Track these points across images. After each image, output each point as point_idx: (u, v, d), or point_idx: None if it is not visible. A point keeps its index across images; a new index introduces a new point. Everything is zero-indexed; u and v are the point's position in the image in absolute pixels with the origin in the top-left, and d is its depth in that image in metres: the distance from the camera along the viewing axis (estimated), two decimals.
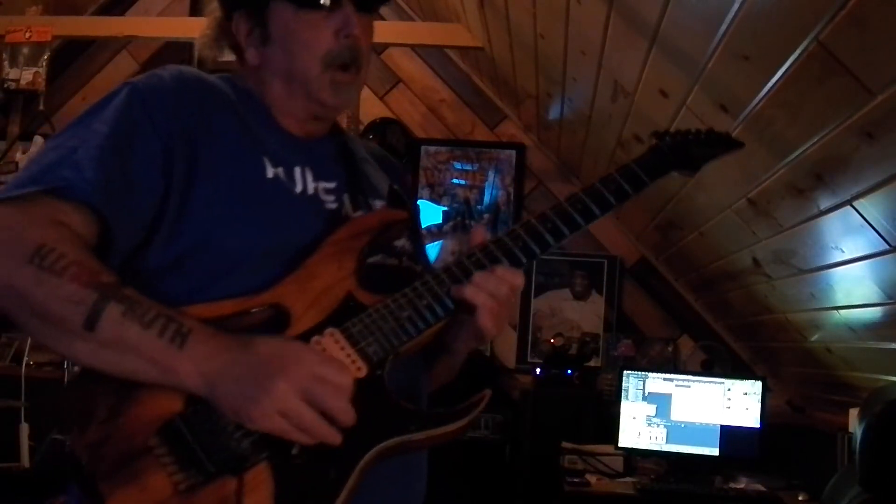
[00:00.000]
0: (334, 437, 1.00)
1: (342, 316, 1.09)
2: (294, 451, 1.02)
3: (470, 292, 1.12)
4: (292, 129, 1.25)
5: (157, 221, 1.09)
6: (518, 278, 1.15)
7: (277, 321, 1.07)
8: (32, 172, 1.06)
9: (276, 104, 1.24)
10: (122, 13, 4.26)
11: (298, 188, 1.19)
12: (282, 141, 1.22)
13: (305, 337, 1.07)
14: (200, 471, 1.01)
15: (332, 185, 1.23)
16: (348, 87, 1.23)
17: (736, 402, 3.18)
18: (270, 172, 1.17)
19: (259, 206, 1.14)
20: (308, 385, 0.99)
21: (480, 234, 1.20)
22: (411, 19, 4.05)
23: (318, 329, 1.07)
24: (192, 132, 1.13)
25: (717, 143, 1.29)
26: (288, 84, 1.22)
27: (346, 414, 1.01)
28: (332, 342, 1.07)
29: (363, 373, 1.07)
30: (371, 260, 1.18)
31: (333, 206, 1.22)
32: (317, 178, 1.22)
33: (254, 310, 1.07)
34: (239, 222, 1.11)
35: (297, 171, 1.20)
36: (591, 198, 1.21)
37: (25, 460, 3.12)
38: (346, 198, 1.24)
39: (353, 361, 1.07)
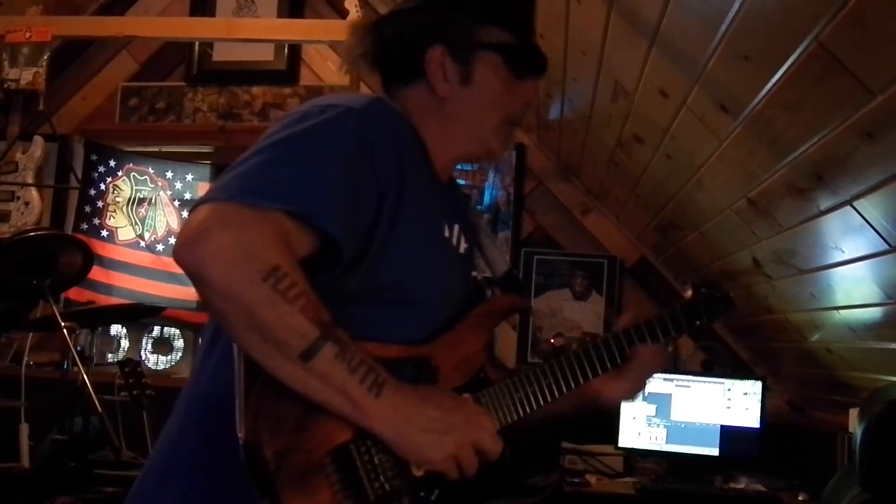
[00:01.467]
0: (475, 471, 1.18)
1: (474, 385, 1.26)
2: (433, 497, 1.19)
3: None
4: (440, 170, 1.32)
5: (362, 251, 1.15)
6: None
7: (428, 375, 1.21)
8: (264, 183, 1.07)
9: (432, 142, 1.30)
10: (122, 13, 4.26)
11: (455, 244, 1.31)
12: (439, 191, 1.31)
13: None
14: (361, 496, 1.11)
15: (468, 246, 1.35)
16: (513, 140, 1.37)
17: (736, 402, 3.18)
18: (446, 231, 1.28)
19: (442, 262, 1.27)
20: (477, 434, 1.17)
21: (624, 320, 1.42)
22: None
23: (457, 391, 1.23)
24: (400, 171, 1.18)
25: (726, 303, 1.47)
26: (464, 127, 1.31)
27: (496, 455, 1.20)
28: None
29: None
30: None
31: (471, 269, 1.37)
32: (465, 239, 1.34)
33: (413, 360, 1.21)
34: (431, 273, 1.23)
35: (457, 228, 1.32)
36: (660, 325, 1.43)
37: (25, 460, 3.12)
38: (477, 261, 1.38)
39: None
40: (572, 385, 1.33)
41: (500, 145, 1.33)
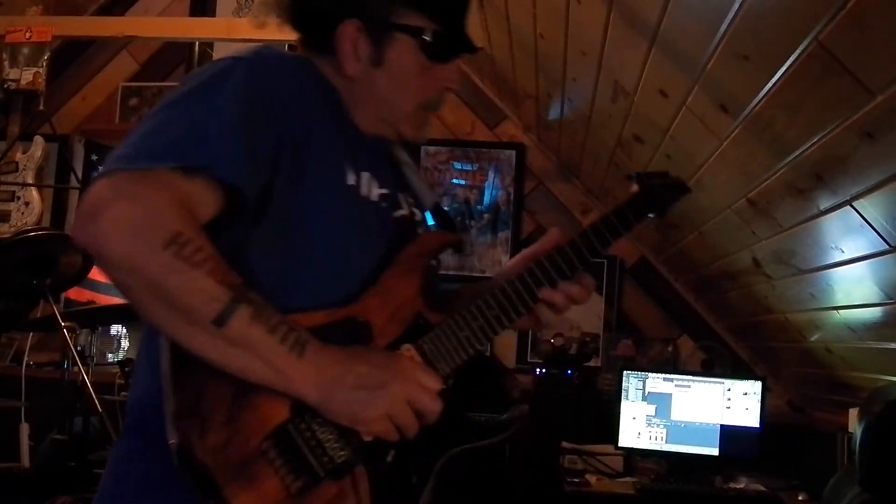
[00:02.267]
0: (416, 430, 1.11)
1: (414, 333, 1.19)
2: (388, 459, 1.14)
3: (559, 298, 1.26)
4: (362, 127, 1.27)
5: (261, 208, 1.09)
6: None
7: (361, 334, 1.15)
8: (157, 144, 1.02)
9: (353, 107, 1.25)
10: (122, 13, 4.26)
11: (365, 192, 1.23)
12: (355, 143, 1.24)
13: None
14: (311, 475, 1.07)
15: (386, 190, 1.27)
16: (428, 124, 1.31)
17: (736, 402, 3.18)
18: (351, 179, 1.20)
19: (346, 210, 1.18)
20: (411, 389, 1.10)
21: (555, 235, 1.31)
22: None
23: (395, 344, 1.17)
24: (299, 122, 1.13)
25: (679, 188, 1.40)
26: (376, 108, 1.25)
27: (435, 415, 1.12)
28: (409, 357, 1.17)
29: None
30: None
31: (396, 213, 1.28)
32: (379, 184, 1.26)
33: (341, 322, 1.14)
34: (337, 221, 1.16)
35: (366, 175, 1.24)
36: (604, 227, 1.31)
37: (25, 460, 3.12)
38: (400, 200, 1.30)
39: None
40: (523, 310, 1.24)
41: (414, 130, 1.28)
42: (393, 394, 1.08)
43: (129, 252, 0.97)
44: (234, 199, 1.05)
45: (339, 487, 1.10)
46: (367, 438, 1.10)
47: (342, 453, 1.09)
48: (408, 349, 1.17)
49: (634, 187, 1.33)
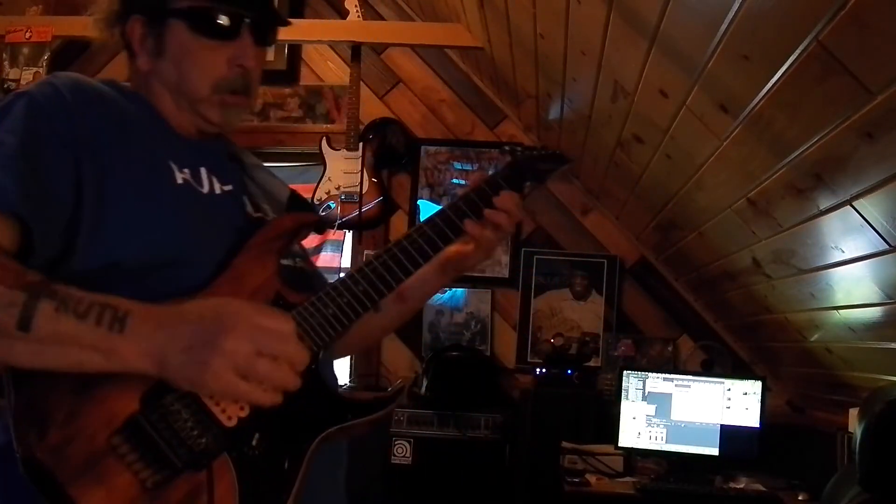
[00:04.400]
0: (294, 381, 1.02)
1: None
2: (253, 443, 1.07)
3: (476, 230, 1.29)
4: (185, 132, 1.27)
5: (73, 230, 1.08)
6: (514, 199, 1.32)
7: None
8: None
9: (166, 111, 1.25)
10: None
11: (206, 189, 1.23)
12: (179, 144, 1.24)
13: None
14: (167, 467, 1.03)
15: (229, 187, 1.27)
16: (237, 110, 1.27)
17: (736, 402, 3.18)
18: (179, 178, 1.19)
19: (175, 212, 1.16)
20: (254, 336, 1.00)
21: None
22: (411, 19, 4.05)
23: None
24: (97, 140, 1.13)
25: (556, 159, 1.42)
26: (176, 98, 1.25)
27: (298, 356, 1.03)
28: None
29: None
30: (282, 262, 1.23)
31: (239, 207, 1.27)
32: (219, 180, 1.25)
33: None
34: (157, 231, 1.13)
35: (203, 171, 1.23)
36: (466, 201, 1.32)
37: None
38: (245, 199, 1.29)
39: None
40: (386, 290, 1.23)
41: (219, 115, 1.25)
42: (232, 344, 0.98)
43: None
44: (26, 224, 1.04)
45: (200, 478, 1.04)
46: (230, 423, 1.05)
47: (201, 440, 1.04)
48: (233, 299, 1.10)
49: (508, 158, 1.37)
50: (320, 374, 1.16)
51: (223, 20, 1.22)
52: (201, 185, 1.22)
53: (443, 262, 1.38)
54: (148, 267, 1.11)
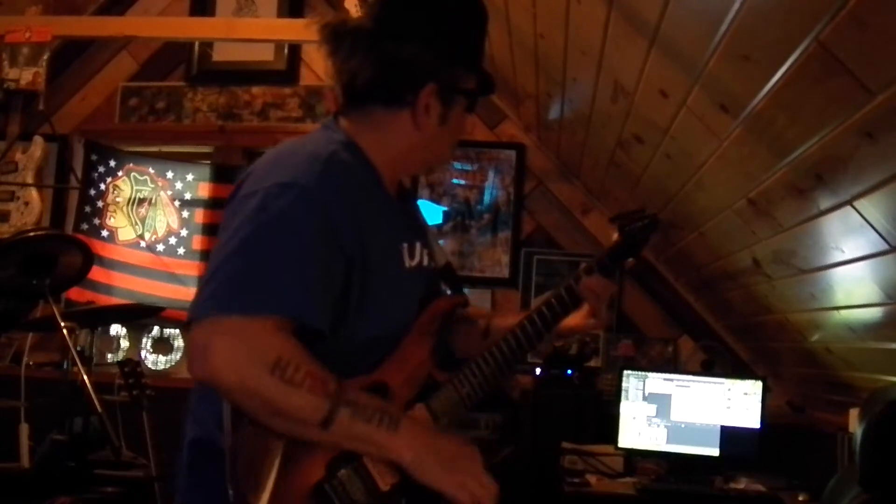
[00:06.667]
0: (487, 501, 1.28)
1: (426, 392, 1.39)
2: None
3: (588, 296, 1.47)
4: (391, 188, 1.42)
5: (338, 317, 1.27)
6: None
7: (382, 395, 1.32)
8: (245, 293, 1.18)
9: (387, 161, 1.38)
10: (122, 13, 4.26)
11: (415, 262, 1.41)
12: (394, 209, 1.40)
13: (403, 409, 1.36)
14: None
15: (426, 257, 1.46)
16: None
17: (736, 403, 3.18)
18: (407, 262, 1.39)
19: (405, 294, 1.39)
20: (477, 474, 1.28)
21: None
22: None
23: (410, 404, 1.37)
24: (361, 234, 1.28)
25: (652, 228, 1.52)
26: (430, 155, 1.44)
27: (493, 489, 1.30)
28: (420, 415, 1.38)
29: None
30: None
31: (425, 278, 1.46)
32: (421, 247, 1.44)
33: (368, 388, 1.31)
34: (398, 313, 1.37)
35: (419, 245, 1.42)
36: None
37: (25, 460, 3.12)
38: (417, 250, 1.45)
39: None
40: (513, 367, 1.44)
41: (450, 160, 1.44)
42: (467, 468, 1.27)
43: (241, 382, 1.16)
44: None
45: None
46: (385, 488, 1.28)
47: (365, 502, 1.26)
48: (420, 407, 1.37)
49: (615, 235, 1.49)
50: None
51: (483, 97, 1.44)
52: (417, 261, 1.42)
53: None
54: (374, 342, 1.33)
